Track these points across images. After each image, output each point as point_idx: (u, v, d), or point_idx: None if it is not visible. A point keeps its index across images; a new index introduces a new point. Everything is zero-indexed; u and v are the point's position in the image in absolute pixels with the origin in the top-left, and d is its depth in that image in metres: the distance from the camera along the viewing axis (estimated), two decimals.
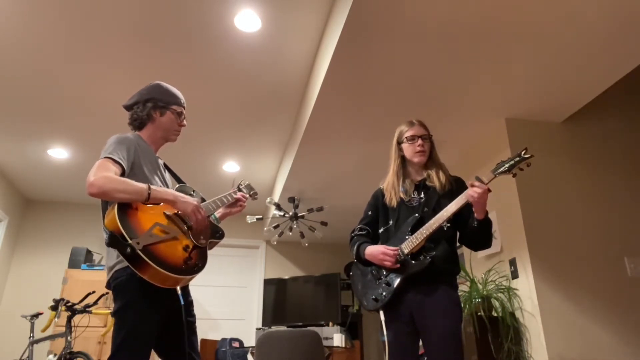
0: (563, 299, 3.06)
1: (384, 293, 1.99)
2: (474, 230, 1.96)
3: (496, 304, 3.17)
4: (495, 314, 3.14)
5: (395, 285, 1.97)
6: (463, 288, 3.47)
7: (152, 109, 1.93)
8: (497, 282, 3.34)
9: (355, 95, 3.34)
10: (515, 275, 3.24)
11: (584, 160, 3.57)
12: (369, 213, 2.23)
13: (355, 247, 2.14)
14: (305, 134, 3.83)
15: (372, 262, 2.06)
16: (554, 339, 2.92)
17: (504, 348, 2.99)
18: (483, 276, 3.40)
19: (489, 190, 1.90)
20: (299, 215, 5.22)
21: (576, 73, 3.07)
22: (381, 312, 2.02)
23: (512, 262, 3.28)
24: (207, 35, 3.17)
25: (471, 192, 1.86)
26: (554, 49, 2.85)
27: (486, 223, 1.95)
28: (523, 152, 1.88)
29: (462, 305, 3.22)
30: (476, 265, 3.69)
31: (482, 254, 3.66)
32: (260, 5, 2.92)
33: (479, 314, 3.08)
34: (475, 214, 1.93)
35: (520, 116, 3.56)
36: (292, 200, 5.25)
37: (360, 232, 2.20)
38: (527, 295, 3.11)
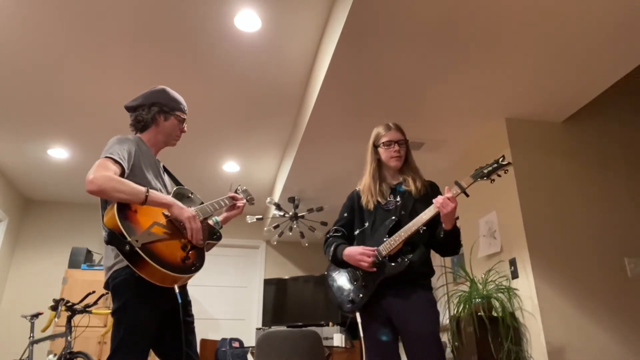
0: (563, 299, 3.06)
1: (361, 295, 1.98)
2: (440, 240, 1.99)
3: (496, 304, 3.17)
4: (495, 314, 3.14)
5: (372, 288, 1.96)
6: (463, 288, 3.47)
7: (157, 113, 1.95)
8: (497, 282, 3.34)
9: (355, 95, 3.34)
10: (515, 275, 3.24)
11: (584, 160, 3.57)
12: (345, 215, 2.23)
13: (332, 248, 2.11)
14: (305, 134, 3.83)
15: (349, 264, 2.04)
16: (554, 339, 2.92)
17: (504, 348, 2.99)
18: (483, 276, 3.39)
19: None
20: (299, 215, 5.22)
21: (576, 73, 3.07)
22: (357, 314, 2.01)
23: (512, 262, 3.28)
24: (207, 36, 3.17)
25: (437, 199, 1.88)
26: (553, 49, 2.85)
27: (452, 233, 1.96)
28: (501, 159, 1.92)
29: (463, 305, 3.22)
30: (476, 265, 3.69)
31: (482, 253, 3.66)
32: (260, 5, 2.93)
33: (479, 314, 3.07)
34: (442, 224, 1.93)
35: (520, 116, 3.56)
36: (292, 200, 5.25)
37: (336, 234, 2.18)
38: (527, 295, 3.10)
